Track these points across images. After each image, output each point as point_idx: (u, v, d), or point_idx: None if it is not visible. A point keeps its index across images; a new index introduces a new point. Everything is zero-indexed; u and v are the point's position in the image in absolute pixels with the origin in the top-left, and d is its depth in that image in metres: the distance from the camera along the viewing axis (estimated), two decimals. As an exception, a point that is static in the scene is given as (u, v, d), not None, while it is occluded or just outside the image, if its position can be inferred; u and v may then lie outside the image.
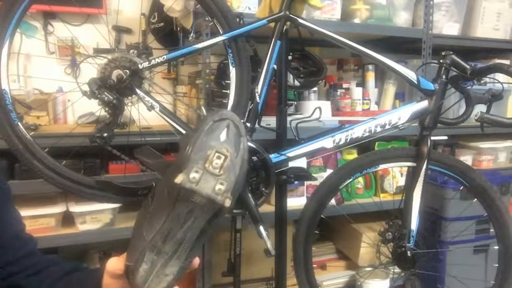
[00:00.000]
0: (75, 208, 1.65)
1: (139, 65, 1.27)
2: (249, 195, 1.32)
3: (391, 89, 2.22)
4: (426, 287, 1.94)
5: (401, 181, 2.09)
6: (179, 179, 0.60)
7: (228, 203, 0.62)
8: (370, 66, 2.23)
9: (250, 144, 1.30)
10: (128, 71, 1.25)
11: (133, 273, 0.68)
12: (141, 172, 1.50)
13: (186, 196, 0.63)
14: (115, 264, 0.73)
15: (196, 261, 0.73)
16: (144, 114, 1.36)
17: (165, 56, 1.31)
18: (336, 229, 2.20)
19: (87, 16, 2.04)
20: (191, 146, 0.62)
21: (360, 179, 2.09)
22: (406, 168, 1.47)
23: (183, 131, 1.30)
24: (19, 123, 1.27)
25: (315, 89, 2.04)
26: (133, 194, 1.31)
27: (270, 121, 1.48)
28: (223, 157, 0.62)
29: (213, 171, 0.62)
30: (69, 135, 1.56)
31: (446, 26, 2.27)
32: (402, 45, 2.24)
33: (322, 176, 1.83)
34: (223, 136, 0.64)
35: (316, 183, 1.74)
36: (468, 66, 1.33)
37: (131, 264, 0.69)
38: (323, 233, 2.17)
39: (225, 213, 0.66)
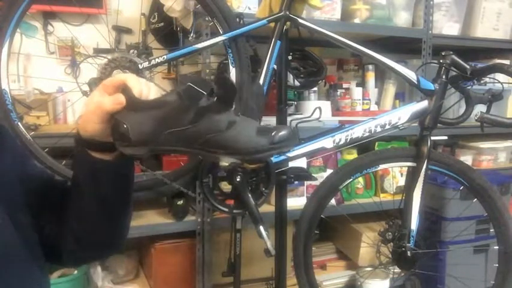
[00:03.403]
0: (75, 208, 1.65)
1: (140, 65, 1.27)
2: (249, 195, 1.32)
3: (391, 89, 2.21)
4: (426, 287, 1.94)
5: (401, 181, 2.09)
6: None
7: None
8: (370, 66, 2.23)
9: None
10: (127, 71, 1.25)
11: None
12: (141, 172, 1.51)
13: None
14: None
15: None
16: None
17: (165, 56, 1.31)
18: (336, 229, 2.20)
19: (87, 16, 2.04)
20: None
21: (360, 179, 2.09)
22: (406, 168, 1.47)
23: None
24: (19, 123, 1.28)
25: (315, 89, 2.04)
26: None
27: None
28: None
29: None
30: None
31: (446, 26, 2.26)
32: (402, 45, 2.24)
33: (322, 176, 1.82)
34: None
35: (316, 183, 1.74)
36: (468, 66, 1.33)
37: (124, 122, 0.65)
38: (323, 233, 2.17)
39: None
